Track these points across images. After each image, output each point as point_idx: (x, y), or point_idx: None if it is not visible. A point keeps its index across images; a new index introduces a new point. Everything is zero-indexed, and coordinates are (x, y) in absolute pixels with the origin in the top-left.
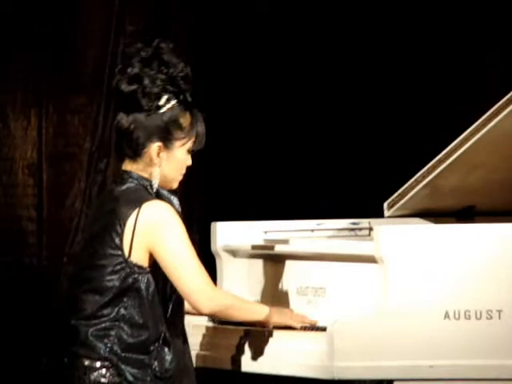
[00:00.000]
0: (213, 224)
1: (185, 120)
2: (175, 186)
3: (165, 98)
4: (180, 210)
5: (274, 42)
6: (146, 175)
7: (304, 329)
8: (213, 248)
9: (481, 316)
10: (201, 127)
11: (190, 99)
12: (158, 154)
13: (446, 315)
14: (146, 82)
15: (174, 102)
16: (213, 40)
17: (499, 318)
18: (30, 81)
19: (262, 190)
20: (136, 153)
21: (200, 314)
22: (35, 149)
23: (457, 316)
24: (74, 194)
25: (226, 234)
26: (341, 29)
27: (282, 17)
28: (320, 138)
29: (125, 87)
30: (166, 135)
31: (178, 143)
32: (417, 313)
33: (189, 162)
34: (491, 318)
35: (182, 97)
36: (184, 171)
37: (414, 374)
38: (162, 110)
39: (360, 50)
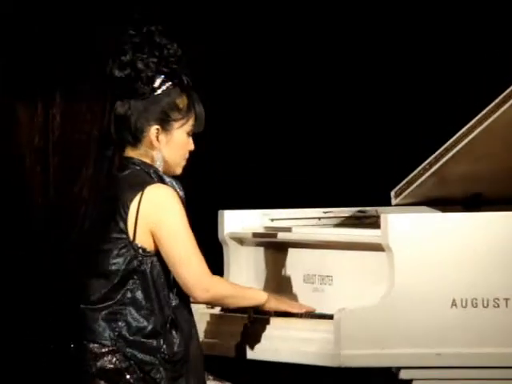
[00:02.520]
0: (220, 212)
1: (181, 101)
2: (179, 171)
3: (159, 80)
4: (183, 195)
5: (274, 31)
6: (147, 160)
7: (310, 316)
8: (220, 236)
9: (488, 304)
10: (199, 108)
11: (185, 80)
12: (157, 138)
13: (453, 303)
14: (139, 66)
15: (168, 83)
16: (212, 30)
17: (506, 306)
18: (38, 68)
19: (268, 179)
20: (135, 138)
21: (197, 302)
22: (42, 136)
23: (464, 304)
24: (82, 181)
25: (233, 222)
26: (346, 16)
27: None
28: (328, 125)
29: (118, 73)
30: (164, 117)
31: (176, 125)
32: (424, 301)
33: (191, 146)
34: (498, 306)
35: (176, 78)
36: (187, 155)
37: (421, 362)
38: (157, 93)
39: (364, 39)
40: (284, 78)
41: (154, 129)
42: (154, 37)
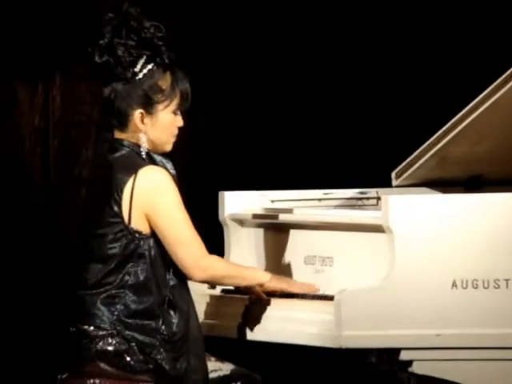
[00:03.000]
0: (220, 193)
1: (164, 82)
2: (168, 148)
3: (140, 63)
4: (175, 173)
5: (271, 20)
6: (136, 141)
7: (311, 297)
8: (220, 217)
9: (488, 285)
10: (183, 85)
11: (166, 59)
12: (142, 121)
13: (454, 284)
14: (118, 50)
15: (150, 65)
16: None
17: (507, 287)
18: (38, 49)
19: (269, 160)
20: (121, 122)
21: (194, 281)
22: (43, 117)
23: (464, 285)
24: (82, 162)
25: (234, 203)
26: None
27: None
28: (328, 107)
29: (98, 59)
30: (147, 101)
31: (160, 106)
32: (424, 282)
33: (179, 122)
34: (499, 287)
35: (158, 59)
36: (175, 133)
37: (421, 343)
38: (138, 76)
39: (359, 24)
40: (282, 63)
41: (137, 113)
42: (131, 20)
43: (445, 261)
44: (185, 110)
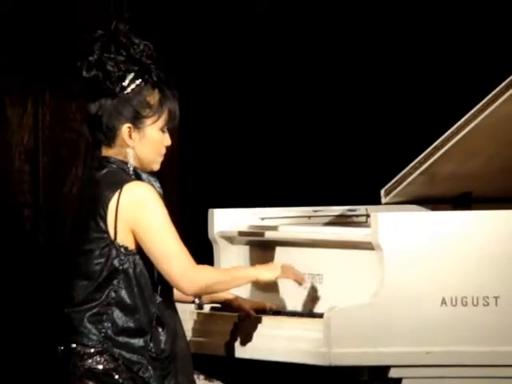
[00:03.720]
0: (210, 211)
1: (152, 98)
2: (156, 167)
3: (128, 78)
4: (161, 192)
5: (268, 25)
6: (123, 158)
7: (301, 315)
8: (210, 235)
9: (478, 303)
10: (171, 104)
11: (155, 77)
12: (130, 136)
13: (443, 302)
14: (107, 66)
15: (138, 81)
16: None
17: (496, 304)
18: (27, 66)
19: (257, 177)
20: (108, 138)
21: (188, 295)
22: (32, 135)
23: (454, 303)
24: (71, 180)
25: (223, 220)
26: (338, 11)
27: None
28: (316, 124)
29: (86, 74)
30: (135, 115)
31: (148, 121)
32: (414, 299)
33: (167, 141)
34: (488, 304)
35: (146, 75)
36: (163, 151)
37: (411, 361)
38: (127, 91)
39: (354, 37)
40: (272, 80)
41: (125, 127)
42: (120, 36)
43: (434, 278)
44: (173, 128)
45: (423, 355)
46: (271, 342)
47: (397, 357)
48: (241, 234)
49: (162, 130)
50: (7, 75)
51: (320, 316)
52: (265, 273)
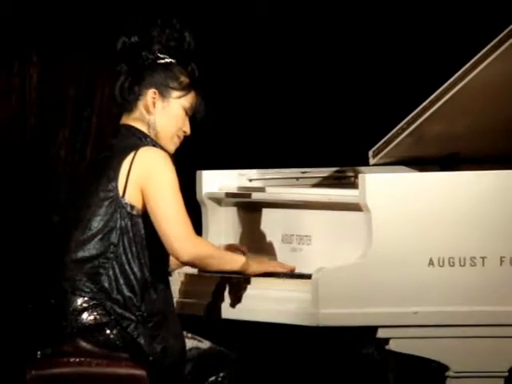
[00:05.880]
0: (198, 172)
1: (183, 77)
2: (170, 148)
3: (166, 55)
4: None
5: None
6: (143, 128)
7: (290, 277)
8: (198, 196)
9: (465, 263)
10: (198, 93)
11: (190, 67)
12: (154, 103)
13: (431, 262)
14: (152, 36)
15: (173, 60)
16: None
17: (483, 264)
18: (15, 28)
19: (246, 139)
20: (132, 102)
21: (180, 261)
22: (19, 97)
23: (441, 263)
24: (59, 142)
25: (211, 182)
26: None
27: None
28: (305, 86)
29: (127, 40)
30: (162, 82)
31: (174, 93)
32: (401, 260)
33: (186, 127)
34: (475, 264)
35: (184, 62)
36: (181, 134)
37: (398, 321)
38: (160, 61)
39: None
40: (261, 41)
41: (151, 91)
42: (175, 31)
43: (421, 239)
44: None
45: (411, 315)
46: (260, 303)
47: (384, 317)
48: (228, 195)
49: (186, 111)
50: None
51: (308, 277)
52: (255, 266)
